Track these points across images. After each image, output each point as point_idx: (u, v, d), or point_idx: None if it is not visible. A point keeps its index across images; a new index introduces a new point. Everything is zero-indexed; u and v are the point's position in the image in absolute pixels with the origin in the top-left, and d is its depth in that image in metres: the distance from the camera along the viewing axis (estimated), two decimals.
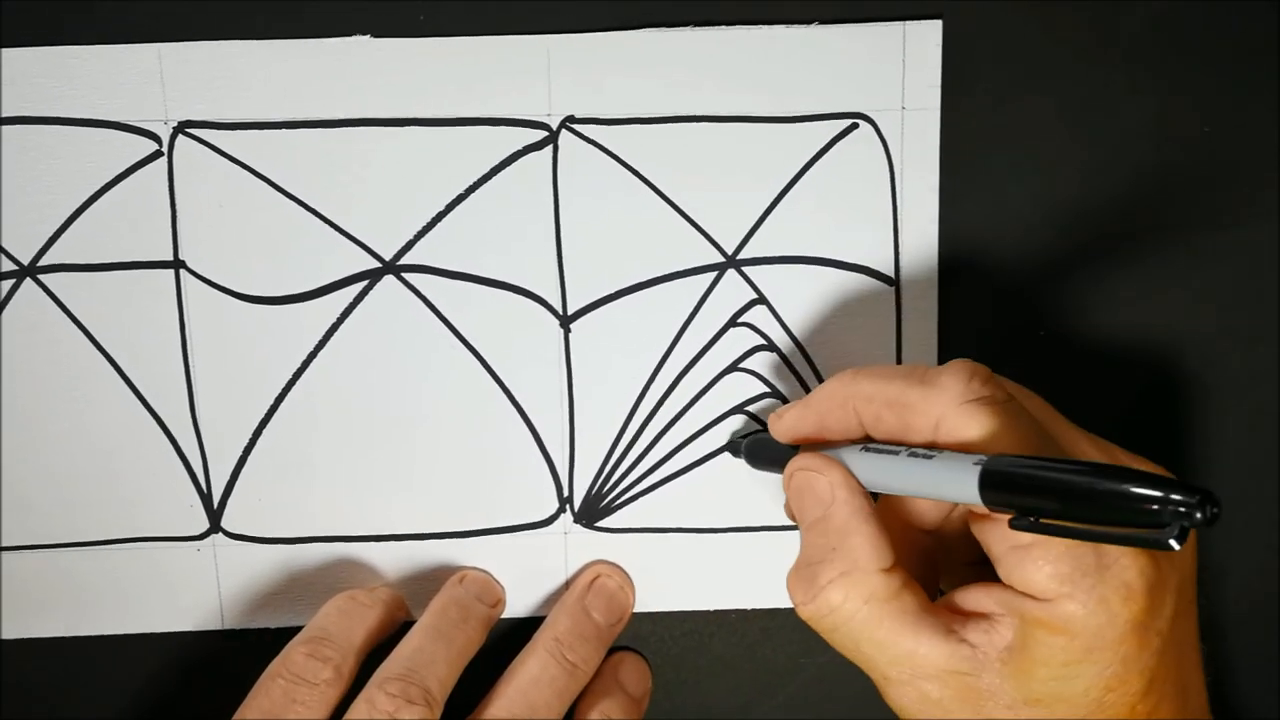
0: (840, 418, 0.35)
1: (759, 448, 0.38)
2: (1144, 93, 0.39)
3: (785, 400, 0.40)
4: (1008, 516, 0.30)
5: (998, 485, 0.29)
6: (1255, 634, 0.42)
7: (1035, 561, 0.30)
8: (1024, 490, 0.29)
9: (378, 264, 0.39)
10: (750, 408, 0.40)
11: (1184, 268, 0.40)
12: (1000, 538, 0.31)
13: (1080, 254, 0.40)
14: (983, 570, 0.33)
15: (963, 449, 0.31)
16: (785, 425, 0.36)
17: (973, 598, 0.32)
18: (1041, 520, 0.29)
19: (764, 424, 0.39)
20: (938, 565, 0.36)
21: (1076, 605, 0.30)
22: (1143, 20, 0.39)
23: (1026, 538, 0.30)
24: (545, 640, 0.39)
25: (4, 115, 0.38)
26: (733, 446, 0.40)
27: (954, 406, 0.31)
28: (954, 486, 0.30)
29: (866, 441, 0.34)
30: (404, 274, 0.39)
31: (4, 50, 0.38)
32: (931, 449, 0.32)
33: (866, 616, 0.32)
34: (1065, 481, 0.28)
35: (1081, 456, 0.33)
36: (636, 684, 0.41)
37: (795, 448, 0.36)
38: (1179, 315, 0.40)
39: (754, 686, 0.42)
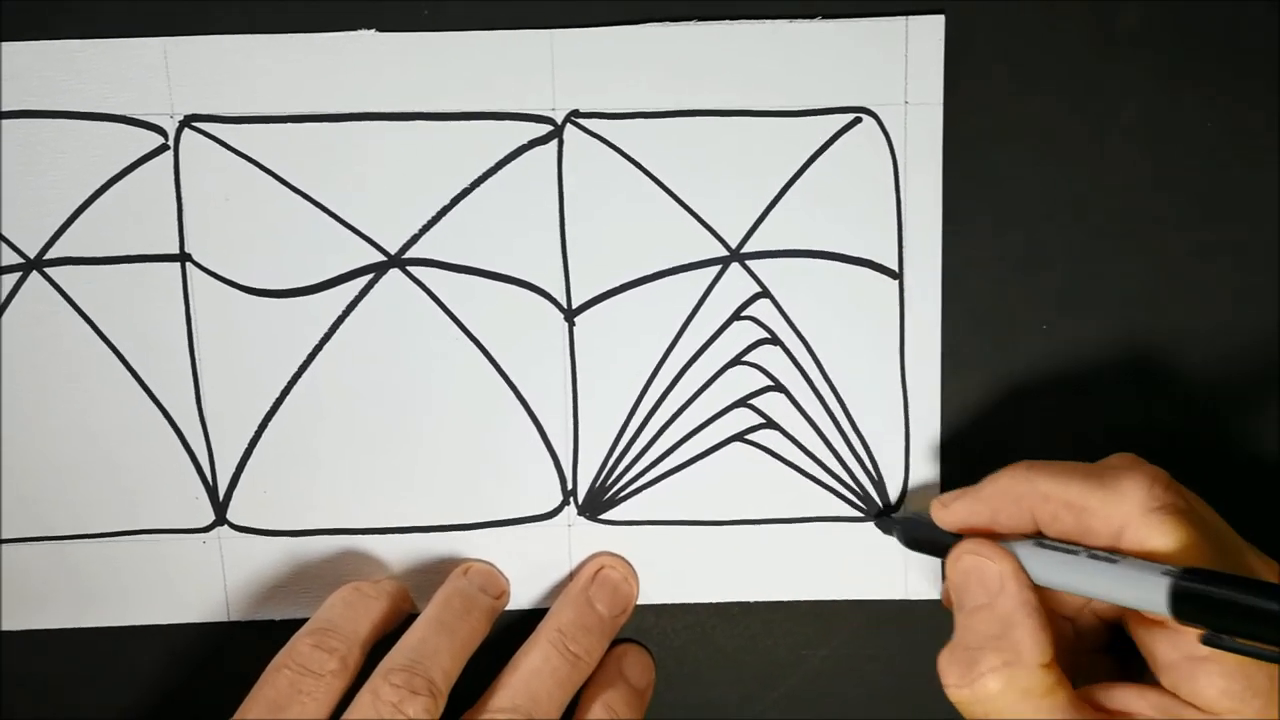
0: (1013, 514, 0.35)
1: (919, 531, 0.38)
2: (1144, 88, 0.39)
3: (787, 393, 0.40)
4: (1185, 628, 0.30)
5: (1190, 600, 0.29)
6: None
7: (1209, 675, 0.31)
8: (1217, 609, 0.29)
9: (383, 258, 0.39)
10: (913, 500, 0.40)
11: (1184, 265, 0.40)
12: (1171, 646, 0.31)
13: (1081, 249, 0.40)
14: (1104, 660, 0.34)
15: (1148, 557, 0.31)
16: (955, 517, 0.36)
17: (1123, 698, 0.33)
18: (1236, 639, 0.29)
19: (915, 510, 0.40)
20: (1072, 650, 0.36)
21: None
22: (1143, 15, 0.39)
23: (1203, 650, 0.30)
24: (549, 631, 0.39)
25: (10, 109, 0.38)
26: (886, 525, 0.40)
27: (1139, 514, 0.32)
28: (1140, 596, 0.31)
29: (1039, 536, 0.34)
30: (409, 268, 0.39)
31: (9, 44, 0.38)
32: (1113, 552, 0.32)
33: (1023, 710, 0.33)
34: (1262, 607, 0.28)
35: (1250, 572, 0.33)
36: (640, 675, 0.41)
37: (958, 534, 0.36)
38: (1180, 313, 0.40)
39: (756, 679, 0.42)
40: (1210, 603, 0.29)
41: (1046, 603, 0.35)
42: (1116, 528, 0.32)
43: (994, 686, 0.33)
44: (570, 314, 0.39)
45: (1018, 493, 0.35)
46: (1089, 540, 0.33)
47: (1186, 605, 0.30)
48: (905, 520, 0.39)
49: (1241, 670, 0.30)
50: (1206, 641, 0.30)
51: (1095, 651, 0.36)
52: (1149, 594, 0.30)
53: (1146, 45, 0.39)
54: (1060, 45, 0.39)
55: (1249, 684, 0.30)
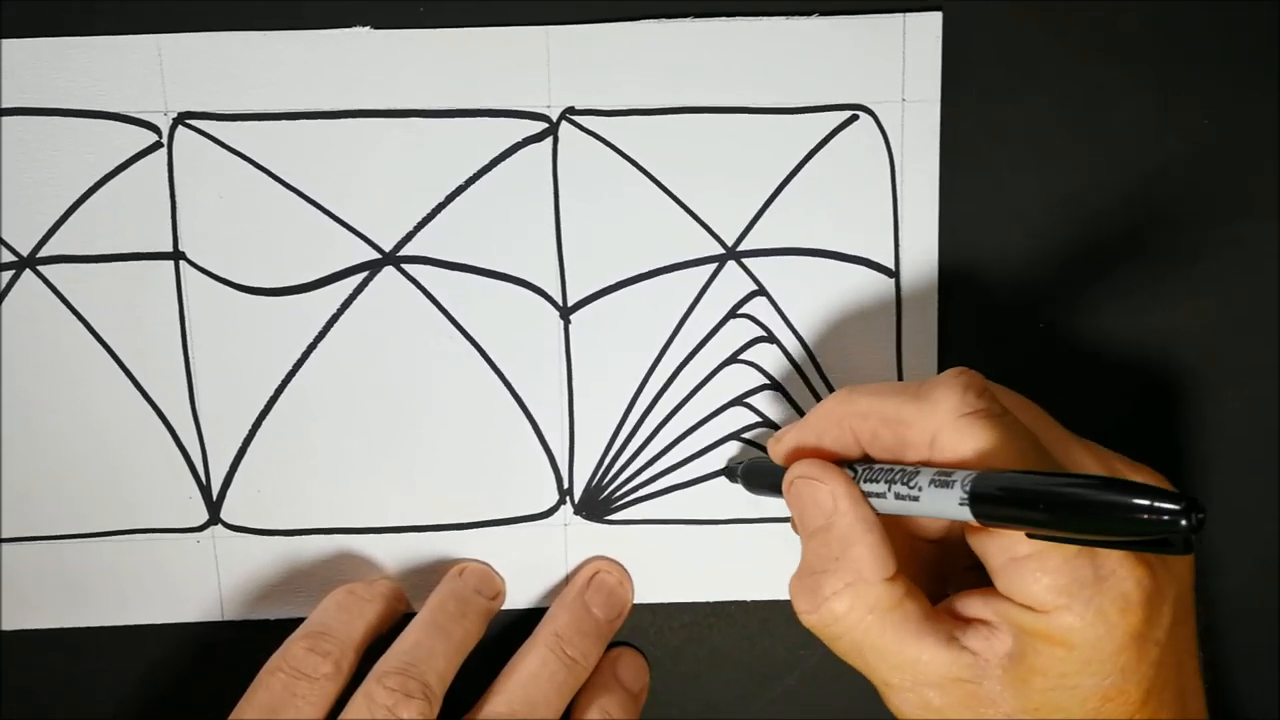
0: (838, 436, 0.35)
1: (756, 473, 0.38)
2: (1144, 87, 0.39)
3: (783, 391, 0.40)
4: (1003, 529, 0.30)
5: (989, 502, 0.29)
6: (1255, 634, 0.42)
7: (1032, 573, 0.30)
8: (1015, 506, 0.29)
9: (378, 255, 0.39)
10: (747, 434, 0.40)
11: (1183, 263, 0.40)
12: (997, 549, 0.31)
13: (1079, 247, 0.40)
14: (984, 575, 0.33)
15: (958, 464, 0.31)
16: (784, 446, 0.36)
17: (972, 605, 0.32)
18: (1039, 532, 0.29)
19: (763, 449, 0.39)
20: (944, 570, 0.36)
21: (1074, 617, 0.30)
22: (1143, 16, 0.39)
23: (1023, 549, 0.30)
24: (545, 635, 0.39)
25: (4, 106, 0.38)
26: (729, 472, 0.40)
27: (949, 421, 0.31)
28: (943, 506, 0.30)
29: (866, 460, 0.34)
30: (404, 265, 0.39)
31: (3, 41, 0.38)
32: (926, 465, 0.32)
33: (870, 625, 0.32)
34: (1052, 494, 0.28)
35: (1077, 467, 0.33)
36: (634, 679, 0.41)
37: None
38: (1178, 311, 0.40)
39: (753, 678, 0.42)
40: (1003, 502, 0.29)
41: (907, 524, 0.35)
42: (929, 438, 0.32)
43: (840, 608, 0.33)
44: (565, 312, 0.39)
45: (839, 414, 0.34)
46: (907, 455, 0.33)
47: (986, 507, 0.29)
48: (742, 464, 0.39)
49: (1067, 565, 0.30)
50: (1030, 535, 0.29)
51: (975, 568, 0.35)
52: (953, 507, 0.30)
53: (1144, 45, 0.39)
54: (1057, 45, 0.39)
55: (1075, 577, 0.30)
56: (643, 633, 0.42)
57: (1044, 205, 0.39)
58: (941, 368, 0.40)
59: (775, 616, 0.42)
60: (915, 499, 0.31)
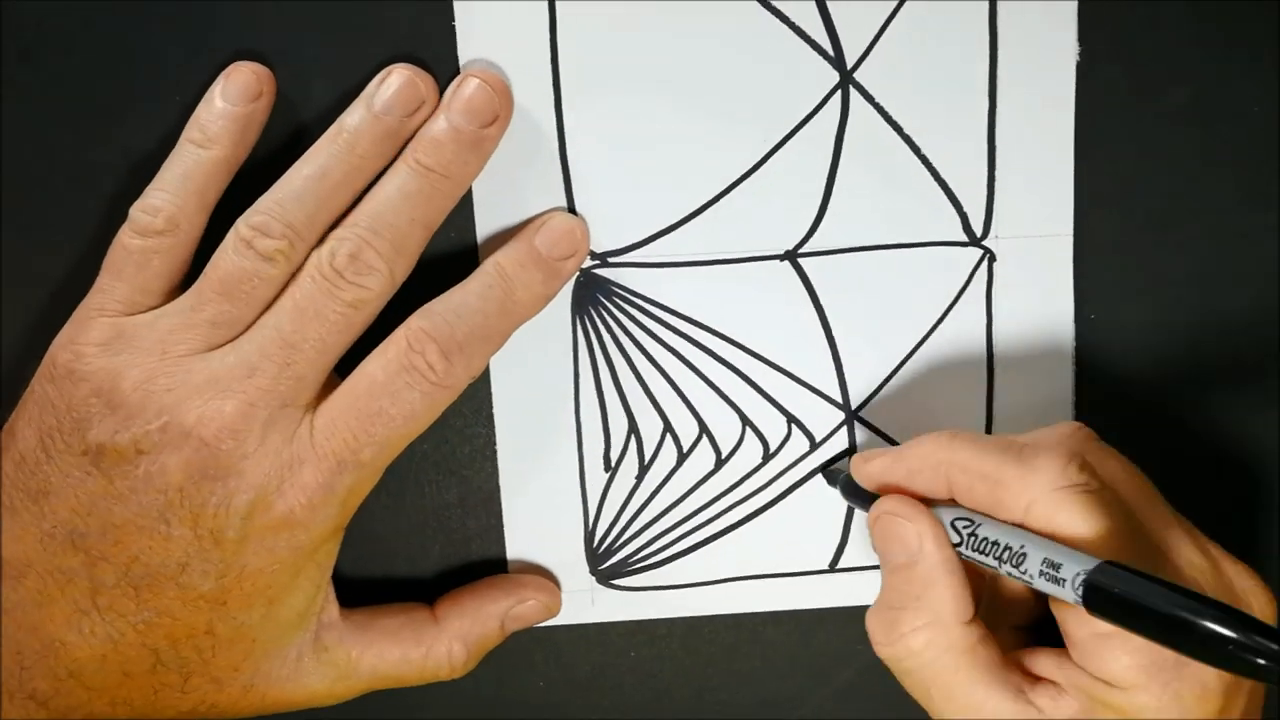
0: (929, 479, 0.35)
1: (855, 488, 0.38)
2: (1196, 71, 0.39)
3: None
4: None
5: (1100, 603, 0.29)
6: None
7: (1114, 651, 0.31)
8: (1127, 616, 0.29)
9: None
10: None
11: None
12: (1080, 623, 0.32)
13: (1128, 234, 0.39)
14: (1033, 635, 0.34)
15: (1052, 536, 0.32)
16: (871, 472, 0.36)
17: (1044, 664, 0.33)
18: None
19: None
20: (1000, 610, 0.36)
21: (1150, 698, 0.31)
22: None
23: (1107, 627, 0.30)
24: (406, 157, 0.35)
25: None
26: (829, 475, 0.40)
27: (1045, 493, 0.32)
28: (1054, 589, 0.31)
29: (953, 503, 0.35)
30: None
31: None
32: (1021, 527, 0.32)
33: (944, 666, 0.33)
34: (1163, 615, 0.28)
35: (1173, 552, 0.33)
36: (554, 244, 0.37)
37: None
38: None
39: (809, 675, 0.42)
40: (1118, 601, 0.29)
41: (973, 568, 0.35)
42: (1025, 504, 0.32)
43: (916, 644, 0.34)
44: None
45: (936, 459, 0.35)
46: (999, 515, 0.33)
47: (1097, 607, 0.29)
48: (844, 475, 0.39)
49: (1149, 646, 0.30)
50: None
51: (1024, 629, 0.36)
52: (1064, 592, 0.30)
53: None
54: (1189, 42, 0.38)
55: (1155, 659, 0.31)
56: (696, 630, 0.42)
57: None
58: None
59: (830, 613, 0.42)
60: (1025, 575, 0.32)
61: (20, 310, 0.38)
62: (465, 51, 0.37)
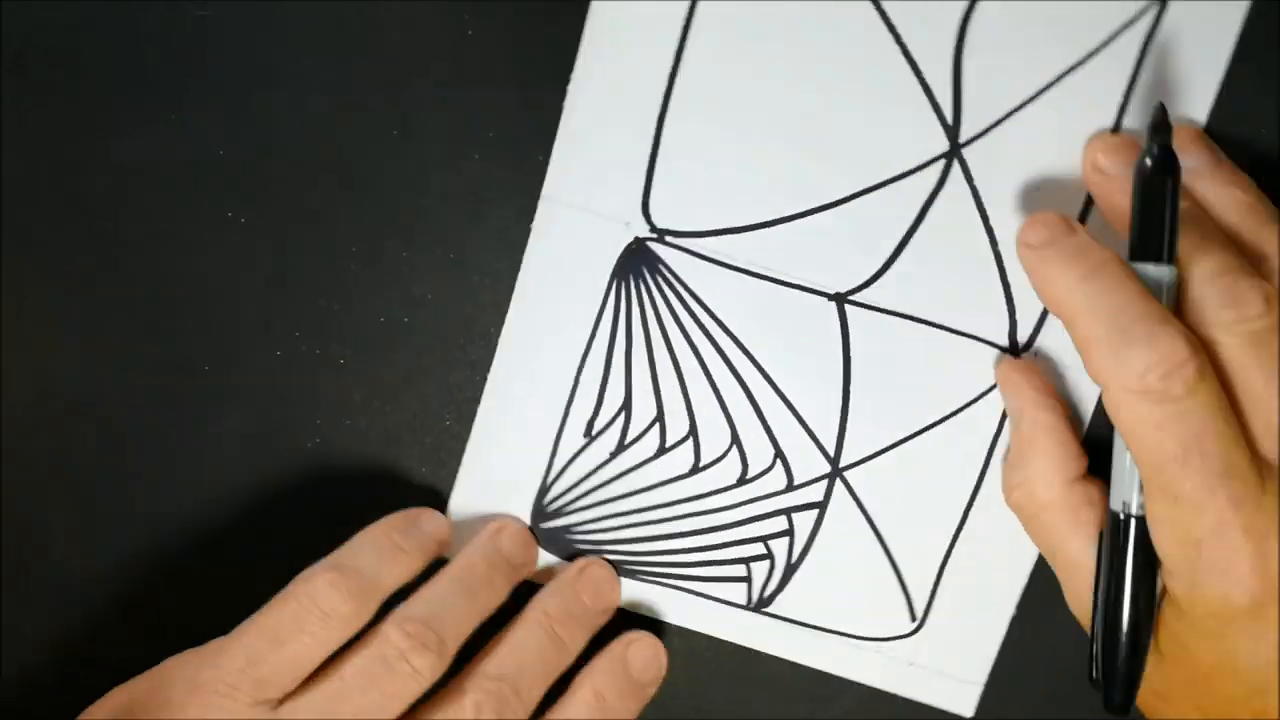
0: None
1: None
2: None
3: None
4: None
5: None
6: None
7: None
8: None
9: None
10: None
11: None
12: None
13: None
14: None
15: None
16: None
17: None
18: None
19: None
20: None
21: None
22: None
23: None
24: (534, 613, 0.38)
25: None
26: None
27: None
28: None
29: None
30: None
31: None
32: None
33: (1045, 522, 0.36)
34: None
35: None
36: (644, 667, 0.39)
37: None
38: None
39: (808, 701, 0.41)
40: None
41: None
42: None
43: (1020, 498, 0.37)
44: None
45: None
46: None
47: None
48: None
49: None
50: None
51: None
52: None
53: None
54: None
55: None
56: (696, 653, 0.41)
57: None
58: None
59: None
60: None
61: (15, 317, 0.38)
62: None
